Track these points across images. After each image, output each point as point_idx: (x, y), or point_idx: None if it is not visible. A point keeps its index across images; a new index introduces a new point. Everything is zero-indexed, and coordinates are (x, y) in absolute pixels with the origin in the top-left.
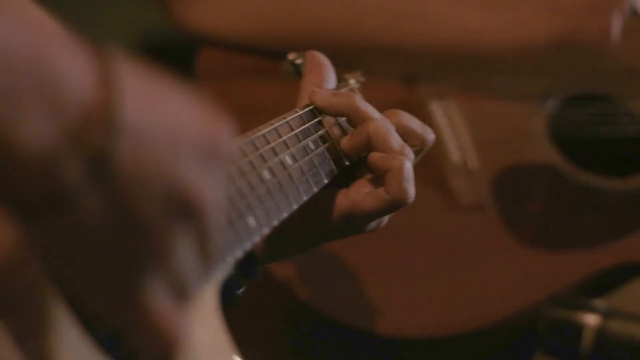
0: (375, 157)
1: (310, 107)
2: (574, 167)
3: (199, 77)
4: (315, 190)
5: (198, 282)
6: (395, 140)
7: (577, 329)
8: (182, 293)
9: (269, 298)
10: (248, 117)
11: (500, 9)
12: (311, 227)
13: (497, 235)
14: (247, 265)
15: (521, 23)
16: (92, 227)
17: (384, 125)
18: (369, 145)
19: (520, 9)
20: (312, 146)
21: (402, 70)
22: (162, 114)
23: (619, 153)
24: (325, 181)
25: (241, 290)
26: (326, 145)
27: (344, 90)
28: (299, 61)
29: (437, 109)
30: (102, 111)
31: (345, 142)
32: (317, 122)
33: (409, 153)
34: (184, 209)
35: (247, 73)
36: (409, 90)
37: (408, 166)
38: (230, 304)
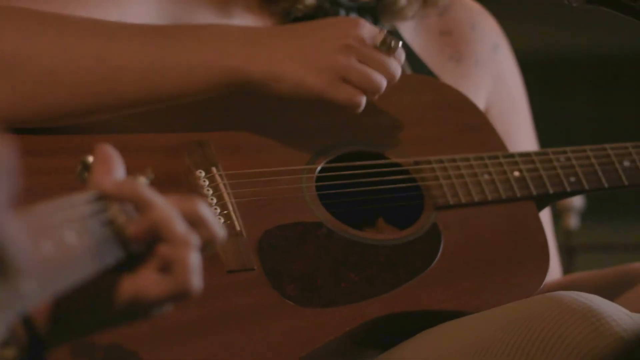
0: (162, 247)
1: (98, 193)
2: (341, 224)
3: None
4: (98, 270)
5: None
6: (180, 227)
7: None
8: None
9: None
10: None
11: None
12: (96, 310)
13: (264, 296)
14: (33, 350)
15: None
16: None
17: (167, 211)
18: (155, 232)
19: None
20: (97, 230)
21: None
22: None
23: (391, 207)
24: (109, 264)
25: None
26: (112, 230)
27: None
28: (90, 159)
29: (201, 176)
30: None
31: (130, 229)
32: (103, 207)
33: (194, 240)
34: None
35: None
36: (174, 160)
37: (193, 257)
38: None
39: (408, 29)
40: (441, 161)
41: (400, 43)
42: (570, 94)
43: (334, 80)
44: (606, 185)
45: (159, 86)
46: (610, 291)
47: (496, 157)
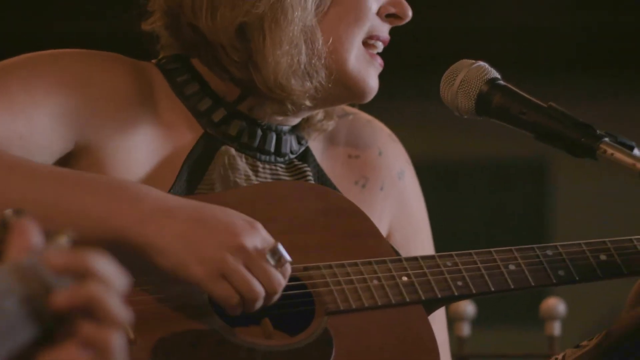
0: (88, 328)
1: (15, 265)
2: (234, 330)
3: None
4: (12, 351)
5: None
6: (115, 306)
7: None
8: None
9: None
10: None
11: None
12: None
13: None
14: None
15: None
16: None
17: (104, 289)
18: (89, 306)
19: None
20: (10, 306)
21: None
22: None
23: (284, 313)
24: (25, 341)
25: None
26: (28, 304)
27: (54, 247)
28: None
29: None
30: None
31: (61, 299)
32: (20, 280)
33: (122, 318)
34: None
35: None
36: None
37: (118, 344)
38: None
39: (318, 150)
40: (330, 267)
41: (289, 259)
42: (465, 198)
43: (214, 275)
44: (493, 288)
45: (49, 229)
46: None
47: (384, 262)
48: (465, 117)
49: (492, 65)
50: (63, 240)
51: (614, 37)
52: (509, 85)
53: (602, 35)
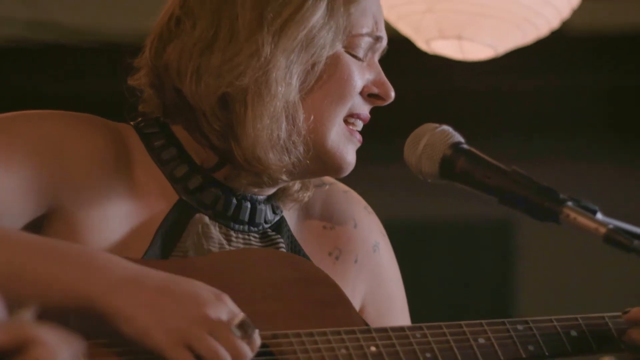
0: None
1: None
2: None
3: None
4: None
5: None
6: None
7: None
8: None
9: None
10: None
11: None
12: None
13: None
14: None
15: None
16: None
17: (49, 355)
18: None
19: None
20: None
21: None
22: None
23: None
24: None
25: None
26: None
27: (15, 320)
28: None
29: None
30: None
31: None
32: None
33: None
34: None
35: None
36: None
37: None
38: None
39: (293, 219)
40: (299, 335)
41: (257, 331)
42: (429, 260)
43: (178, 344)
44: None
45: (18, 296)
46: None
47: (353, 332)
48: (429, 181)
49: (456, 128)
50: (27, 313)
51: (576, 100)
52: (473, 149)
53: (563, 97)
